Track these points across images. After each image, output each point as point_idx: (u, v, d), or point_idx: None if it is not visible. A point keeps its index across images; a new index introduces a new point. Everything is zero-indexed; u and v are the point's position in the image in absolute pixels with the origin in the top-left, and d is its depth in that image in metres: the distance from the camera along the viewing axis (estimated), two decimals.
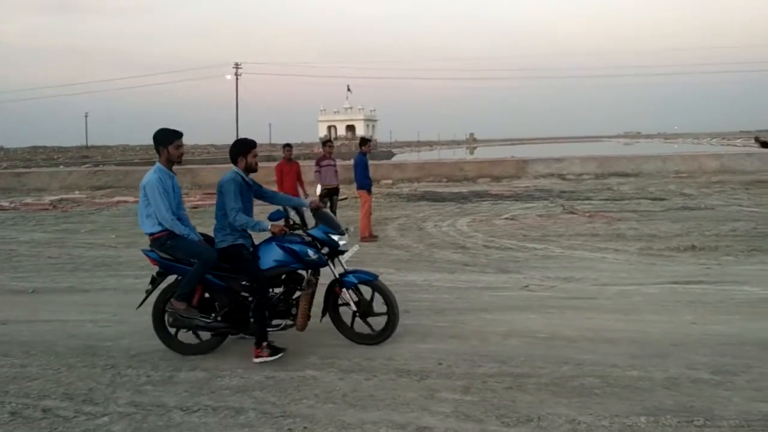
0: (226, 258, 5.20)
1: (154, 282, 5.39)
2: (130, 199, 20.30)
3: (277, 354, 5.01)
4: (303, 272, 5.42)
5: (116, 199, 20.53)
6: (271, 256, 5.23)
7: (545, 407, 4.08)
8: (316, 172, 12.10)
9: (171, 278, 5.38)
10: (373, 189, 13.56)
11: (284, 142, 12.80)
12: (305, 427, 3.91)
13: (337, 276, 5.41)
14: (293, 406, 4.21)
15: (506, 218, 13.88)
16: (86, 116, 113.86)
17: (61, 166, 42.42)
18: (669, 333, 5.53)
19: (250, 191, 5.46)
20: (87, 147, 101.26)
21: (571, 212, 14.62)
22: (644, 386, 4.37)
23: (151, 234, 5.16)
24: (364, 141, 12.53)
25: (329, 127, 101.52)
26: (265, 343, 5.03)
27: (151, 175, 5.13)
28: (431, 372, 4.76)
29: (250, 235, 5.41)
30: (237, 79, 55.78)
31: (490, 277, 8.22)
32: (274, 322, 5.27)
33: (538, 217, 13.89)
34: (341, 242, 5.38)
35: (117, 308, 6.93)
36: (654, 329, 5.66)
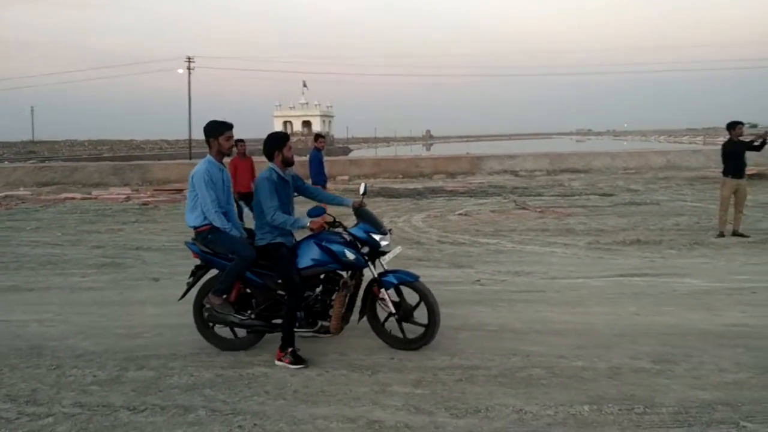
0: (264, 255, 5.06)
1: (195, 275, 5.31)
2: (78, 195, 19.77)
3: (298, 365, 4.78)
4: (343, 273, 5.15)
5: (63, 195, 19.94)
6: (309, 255, 5.02)
7: (493, 398, 4.16)
8: None
9: (213, 271, 5.29)
10: (329, 185, 13.54)
11: (238, 137, 12.60)
12: (255, 424, 3.89)
13: (376, 275, 5.11)
14: (243, 403, 4.19)
15: (460, 214, 14.06)
16: (32, 110, 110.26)
17: (6, 162, 40.93)
18: (613, 324, 5.70)
19: (288, 187, 5.23)
20: (33, 142, 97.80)
21: (523, 208, 14.89)
22: (588, 376, 4.50)
23: (194, 227, 5.12)
24: (318, 136, 12.53)
25: (285, 123, 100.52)
26: (290, 349, 4.86)
27: (200, 166, 5.11)
28: (383, 366, 4.79)
29: (290, 233, 5.20)
30: (189, 73, 54.71)
31: (444, 271, 8.31)
32: (311, 321, 5.08)
33: (491, 213, 14.11)
34: (383, 242, 5.05)
35: (62, 307, 6.75)
36: (599, 321, 5.82)
